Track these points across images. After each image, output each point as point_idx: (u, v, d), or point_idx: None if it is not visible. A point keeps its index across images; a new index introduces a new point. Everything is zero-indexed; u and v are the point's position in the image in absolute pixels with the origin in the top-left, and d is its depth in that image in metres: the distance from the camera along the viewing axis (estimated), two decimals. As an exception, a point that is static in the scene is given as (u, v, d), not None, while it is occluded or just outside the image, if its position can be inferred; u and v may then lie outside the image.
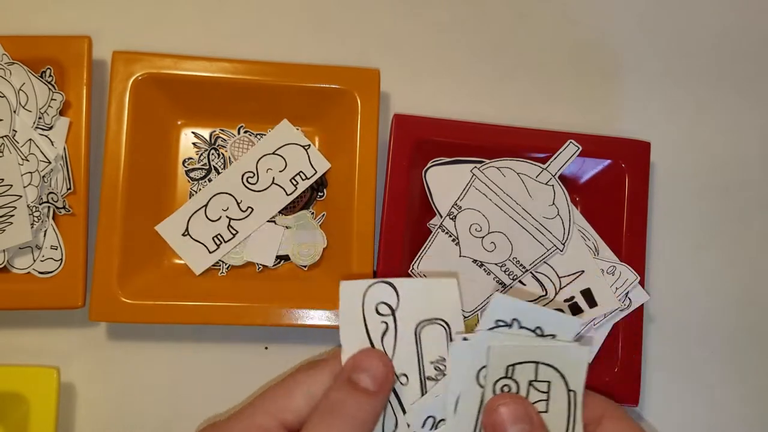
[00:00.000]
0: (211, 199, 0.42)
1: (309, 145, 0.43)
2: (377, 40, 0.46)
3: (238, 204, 0.42)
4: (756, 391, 0.47)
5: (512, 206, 0.42)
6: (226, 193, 0.42)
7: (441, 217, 0.42)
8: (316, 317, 0.41)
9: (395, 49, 0.46)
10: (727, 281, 0.47)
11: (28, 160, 0.41)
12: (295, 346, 0.44)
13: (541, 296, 0.42)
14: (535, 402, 0.33)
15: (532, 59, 0.47)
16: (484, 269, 0.42)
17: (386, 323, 0.34)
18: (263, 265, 0.43)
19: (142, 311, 0.40)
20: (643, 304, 0.43)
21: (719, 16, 0.49)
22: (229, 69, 0.42)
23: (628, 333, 0.43)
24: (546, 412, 0.33)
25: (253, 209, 0.42)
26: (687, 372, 0.46)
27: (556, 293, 0.42)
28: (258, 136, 0.44)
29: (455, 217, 0.42)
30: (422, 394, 0.34)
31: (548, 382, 0.33)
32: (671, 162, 0.47)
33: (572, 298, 0.42)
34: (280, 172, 0.43)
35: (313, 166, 0.43)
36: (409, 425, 0.34)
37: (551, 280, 0.43)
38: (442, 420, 0.34)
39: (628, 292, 0.42)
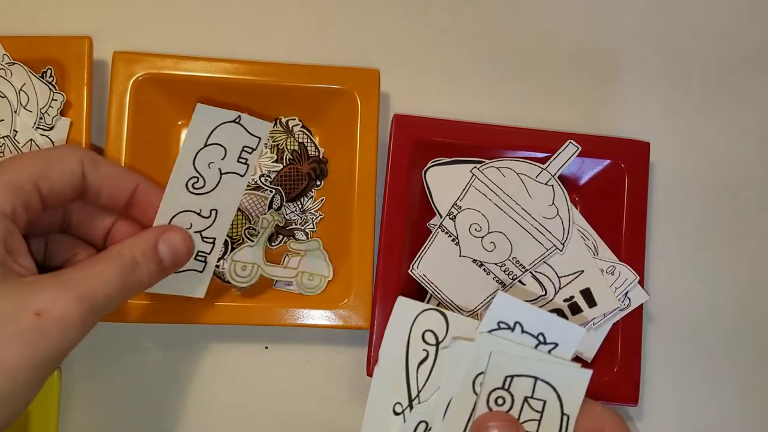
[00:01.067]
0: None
1: (239, 116, 0.37)
2: (377, 40, 0.46)
3: (199, 214, 0.38)
4: (756, 391, 0.47)
5: (512, 206, 0.42)
6: (182, 211, 0.38)
7: (441, 217, 0.42)
8: (316, 317, 0.41)
9: (395, 49, 0.46)
10: (726, 281, 0.47)
11: (28, 160, 0.41)
12: (295, 346, 0.44)
13: (540, 296, 0.43)
14: (527, 421, 0.32)
15: (532, 59, 0.47)
16: (484, 269, 0.42)
17: (427, 352, 0.34)
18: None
19: (143, 311, 0.40)
20: (642, 304, 0.43)
21: (719, 16, 0.49)
22: (229, 69, 0.42)
23: (628, 333, 0.43)
24: None
25: (216, 210, 0.38)
26: (686, 372, 0.46)
27: (556, 293, 0.42)
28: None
29: (455, 217, 0.42)
30: None
31: (544, 401, 0.32)
32: (671, 162, 0.47)
33: (572, 297, 0.42)
34: (222, 160, 0.38)
35: (252, 134, 0.38)
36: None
37: (551, 280, 0.43)
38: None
39: (627, 292, 0.42)
